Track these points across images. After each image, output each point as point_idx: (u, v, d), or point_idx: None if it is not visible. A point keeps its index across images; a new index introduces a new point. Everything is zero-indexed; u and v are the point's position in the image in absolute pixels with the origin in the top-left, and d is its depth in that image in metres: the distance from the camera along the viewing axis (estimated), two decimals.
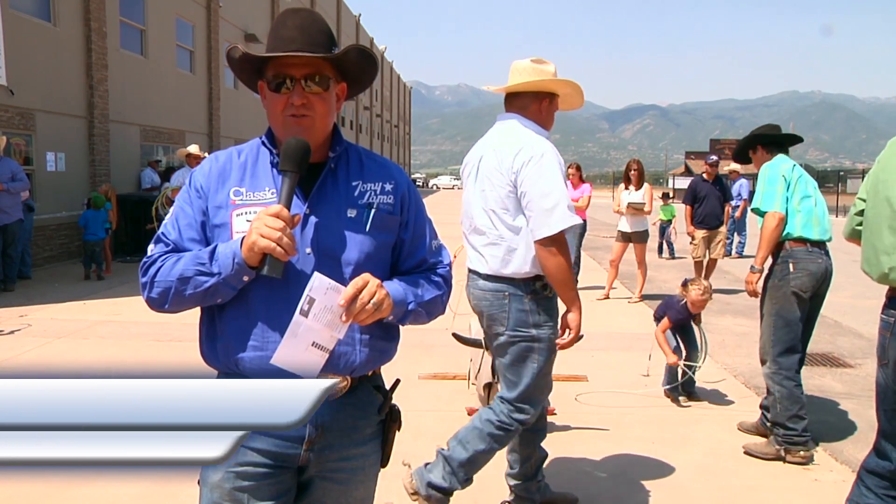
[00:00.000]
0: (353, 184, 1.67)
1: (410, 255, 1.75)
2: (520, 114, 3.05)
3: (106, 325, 7.07)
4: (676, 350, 5.02)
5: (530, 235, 2.86)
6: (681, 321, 5.05)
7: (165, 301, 1.58)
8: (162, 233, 1.64)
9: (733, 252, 14.04)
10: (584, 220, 9.88)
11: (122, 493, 3.48)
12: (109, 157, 13.28)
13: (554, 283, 2.88)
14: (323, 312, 1.49)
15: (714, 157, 9.85)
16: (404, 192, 1.73)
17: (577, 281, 11.12)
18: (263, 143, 1.68)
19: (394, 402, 1.77)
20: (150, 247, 1.64)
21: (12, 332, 6.67)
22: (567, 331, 2.95)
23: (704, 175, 9.62)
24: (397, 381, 1.79)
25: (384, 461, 1.77)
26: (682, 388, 5.03)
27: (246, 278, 1.53)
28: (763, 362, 4.12)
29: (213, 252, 1.54)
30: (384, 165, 1.75)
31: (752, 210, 4.14)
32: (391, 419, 1.75)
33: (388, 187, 1.69)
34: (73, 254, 11.88)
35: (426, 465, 3.14)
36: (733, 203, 12.21)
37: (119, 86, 13.60)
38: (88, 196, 10.86)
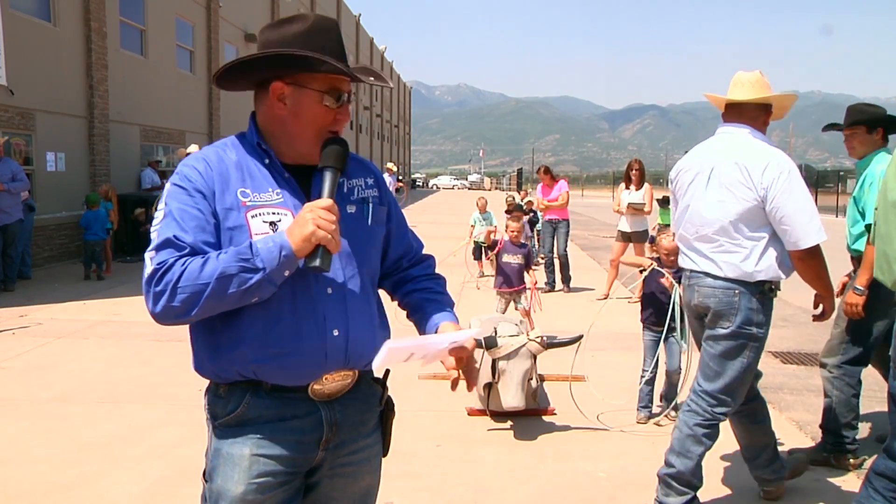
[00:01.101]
0: (340, 181, 1.68)
1: (399, 240, 1.83)
2: (750, 125, 3.15)
3: (106, 325, 7.06)
4: (654, 366, 4.61)
5: (767, 244, 3.03)
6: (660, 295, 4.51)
7: (194, 306, 1.45)
8: (174, 236, 1.49)
9: None
10: (567, 220, 9.87)
11: (122, 492, 3.47)
12: (109, 157, 13.28)
13: (813, 286, 3.16)
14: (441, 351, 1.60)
15: None
16: (382, 183, 1.80)
17: (570, 277, 10.96)
18: (259, 145, 1.64)
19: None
20: (151, 254, 1.50)
21: (12, 332, 6.67)
22: (820, 306, 3.32)
23: None
24: (387, 371, 1.80)
25: (385, 450, 1.80)
26: (663, 399, 4.71)
27: (287, 273, 1.49)
28: (823, 365, 4.00)
29: (250, 248, 1.47)
30: (361, 161, 1.80)
31: (865, 226, 3.88)
32: (388, 408, 1.79)
33: (371, 181, 1.76)
34: (73, 254, 11.87)
35: (658, 501, 3.26)
36: None
37: (119, 86, 13.59)
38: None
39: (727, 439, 4.19)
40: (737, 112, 3.17)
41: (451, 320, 1.72)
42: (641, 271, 4.65)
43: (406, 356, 1.54)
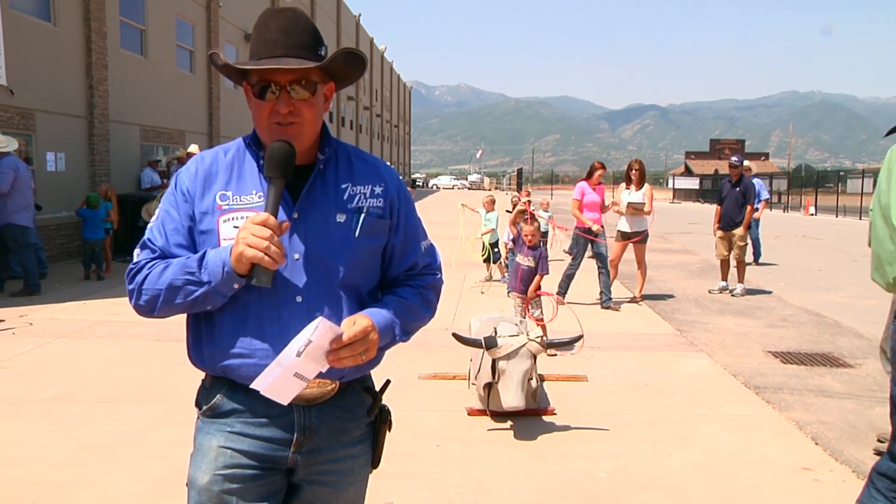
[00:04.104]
0: (343, 186, 1.64)
1: (403, 258, 1.73)
2: None
3: (106, 325, 7.06)
4: None
5: None
6: None
7: (154, 308, 1.55)
8: (148, 238, 1.60)
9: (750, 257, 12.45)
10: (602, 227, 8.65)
11: (122, 492, 3.47)
12: (109, 157, 13.28)
13: None
14: (314, 350, 1.47)
15: (736, 159, 9.64)
16: (393, 194, 1.69)
17: (569, 276, 10.34)
18: (249, 145, 1.64)
19: (384, 402, 1.74)
20: (136, 252, 1.60)
21: (12, 332, 6.67)
22: None
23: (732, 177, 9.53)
24: (387, 382, 1.77)
25: (375, 462, 1.74)
26: None
27: (236, 286, 1.50)
28: None
29: (202, 260, 1.50)
30: (374, 166, 1.71)
31: None
32: (381, 420, 1.73)
33: (378, 190, 1.66)
34: (73, 254, 11.88)
35: None
36: (755, 205, 11.94)
37: (119, 86, 13.60)
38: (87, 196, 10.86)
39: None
40: None
41: (364, 314, 1.56)
42: None
43: (289, 376, 1.47)
